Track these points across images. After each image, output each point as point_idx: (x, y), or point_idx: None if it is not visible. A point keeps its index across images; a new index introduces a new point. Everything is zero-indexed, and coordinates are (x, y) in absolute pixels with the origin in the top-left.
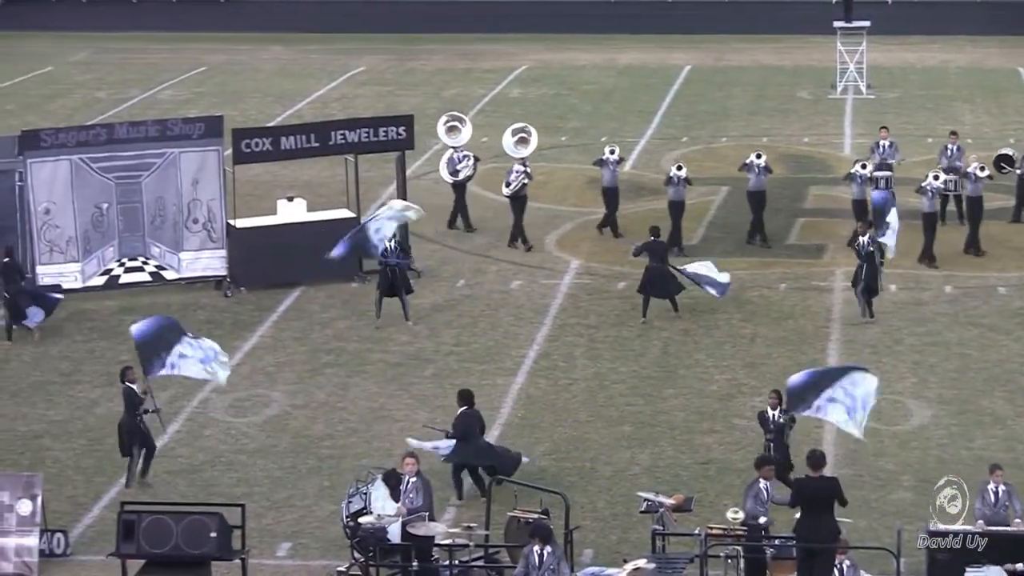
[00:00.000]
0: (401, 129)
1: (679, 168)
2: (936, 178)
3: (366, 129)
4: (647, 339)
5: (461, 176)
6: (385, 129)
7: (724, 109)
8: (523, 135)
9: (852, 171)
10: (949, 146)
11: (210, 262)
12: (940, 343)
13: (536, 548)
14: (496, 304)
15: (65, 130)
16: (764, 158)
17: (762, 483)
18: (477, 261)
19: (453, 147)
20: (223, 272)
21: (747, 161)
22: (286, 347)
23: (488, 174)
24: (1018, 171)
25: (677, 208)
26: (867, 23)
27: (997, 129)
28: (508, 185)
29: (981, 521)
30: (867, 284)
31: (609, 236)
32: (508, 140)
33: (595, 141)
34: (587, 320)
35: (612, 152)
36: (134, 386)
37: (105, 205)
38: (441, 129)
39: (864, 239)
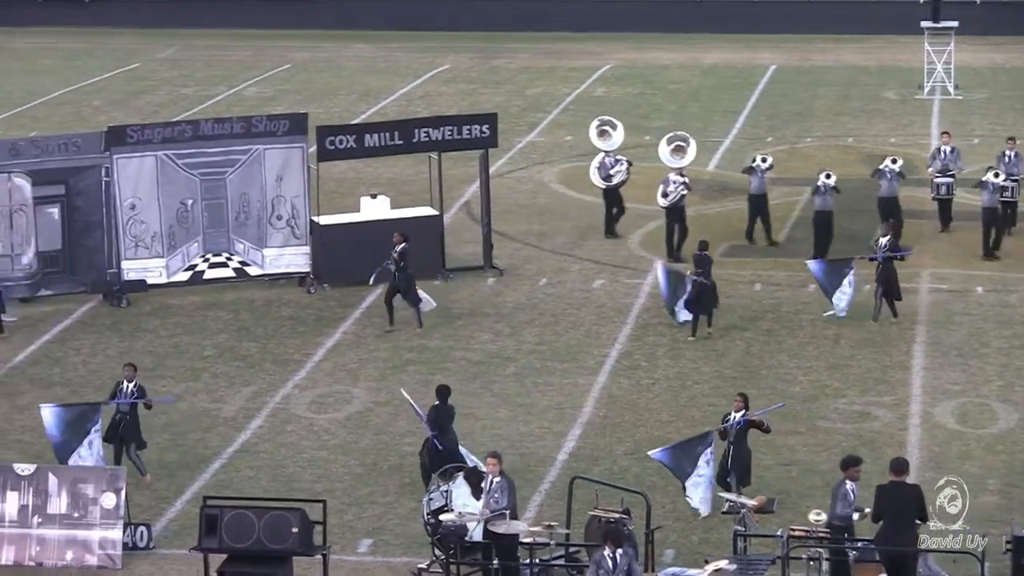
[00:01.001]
0: (485, 127)
1: (827, 176)
2: None
3: (450, 127)
4: (729, 339)
5: (615, 181)
6: (469, 127)
7: (809, 109)
8: (680, 143)
9: (983, 179)
10: (1007, 152)
11: (294, 258)
12: None
13: (608, 552)
14: (578, 303)
15: (151, 126)
16: (900, 163)
17: (848, 484)
18: (559, 260)
19: (605, 151)
20: (306, 269)
21: (880, 167)
22: (368, 344)
23: (571, 172)
24: None
25: (823, 218)
26: (955, 23)
27: None
28: (665, 196)
29: None
30: (887, 286)
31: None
32: (664, 149)
33: None
34: (670, 319)
35: (764, 160)
36: (127, 384)
37: (190, 201)
38: (593, 133)
39: (884, 240)
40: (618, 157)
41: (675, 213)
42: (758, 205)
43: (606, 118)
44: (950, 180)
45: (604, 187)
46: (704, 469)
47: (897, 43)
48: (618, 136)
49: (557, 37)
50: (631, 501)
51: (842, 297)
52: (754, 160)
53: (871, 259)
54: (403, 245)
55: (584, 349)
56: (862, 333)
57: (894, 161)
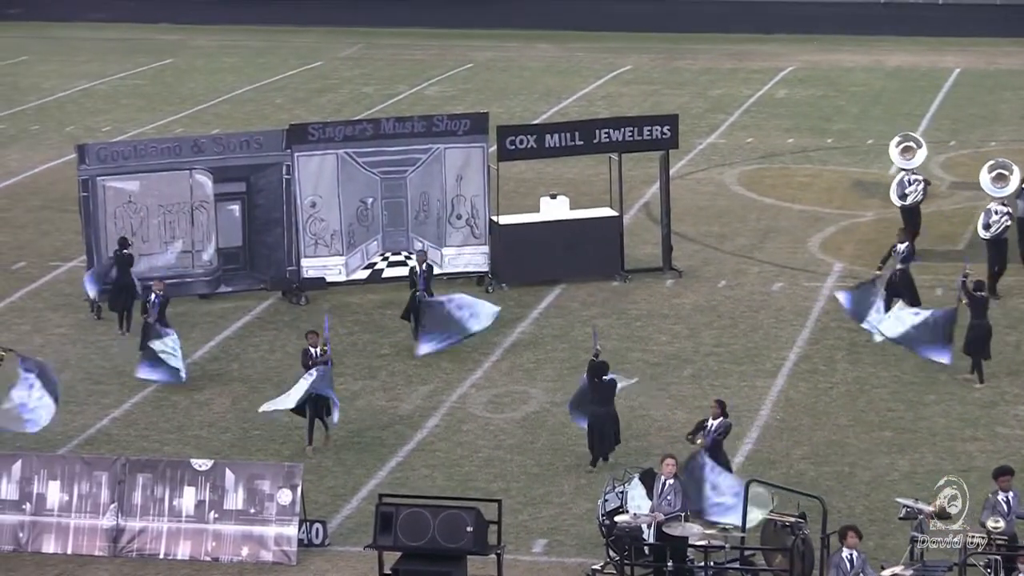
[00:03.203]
0: (666, 128)
1: None
2: None
3: (631, 128)
4: None
5: (909, 201)
6: (650, 128)
7: (994, 113)
8: (1001, 171)
9: (1021, 186)
10: None
11: (472, 258)
12: None
13: (846, 553)
14: (757, 305)
15: (332, 124)
16: None
17: (1000, 495)
18: (738, 262)
19: (905, 169)
20: (485, 268)
21: (1022, 185)
22: (546, 344)
23: (752, 174)
24: None
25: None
26: None
27: None
28: (988, 228)
29: None
30: (907, 293)
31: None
32: (985, 177)
33: (861, 143)
34: (849, 323)
35: None
36: (314, 349)
37: (370, 199)
38: (894, 151)
39: (901, 247)
40: (916, 177)
41: (997, 245)
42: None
43: (910, 134)
44: None
45: (899, 206)
46: None
47: None
48: (922, 154)
49: (740, 39)
50: (807, 505)
51: (878, 319)
52: (1022, 181)
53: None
54: (423, 266)
55: (762, 352)
56: None
57: None
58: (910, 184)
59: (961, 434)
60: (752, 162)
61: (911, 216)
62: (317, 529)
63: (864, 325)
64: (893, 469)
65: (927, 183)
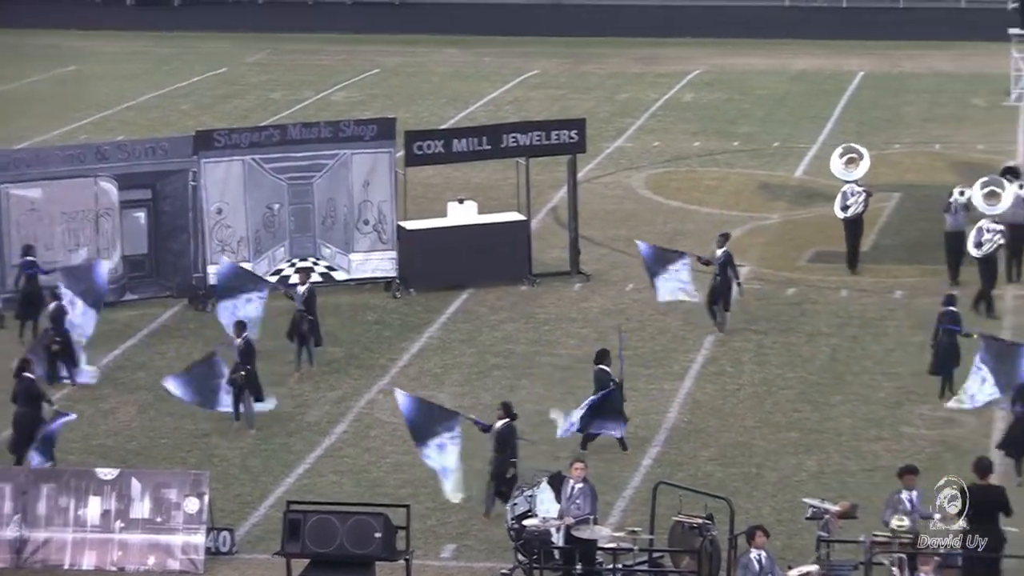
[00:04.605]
0: (573, 132)
1: (961, 193)
2: None
3: (538, 132)
4: (815, 345)
5: (850, 212)
6: (557, 132)
7: (897, 116)
8: (994, 188)
9: (951, 200)
10: None
11: (380, 263)
12: None
13: (754, 554)
14: (664, 308)
15: (239, 131)
16: (967, 195)
17: (904, 493)
18: None
19: (847, 181)
20: (393, 273)
21: (949, 200)
22: (454, 349)
23: (659, 177)
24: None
25: (955, 238)
26: None
27: None
28: (979, 246)
29: None
30: (723, 297)
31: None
32: (977, 195)
33: (767, 146)
34: (756, 326)
35: (961, 193)
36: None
37: (277, 206)
38: (838, 162)
39: (720, 252)
40: (857, 188)
41: (988, 264)
42: (952, 244)
43: (853, 145)
44: None
45: (842, 217)
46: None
47: (985, 50)
48: (865, 164)
49: (647, 43)
50: (714, 507)
51: (666, 282)
52: (951, 195)
53: (704, 262)
54: (306, 286)
55: (670, 355)
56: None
57: (961, 193)
58: (852, 195)
59: (866, 434)
60: (659, 165)
61: (853, 227)
62: (224, 537)
63: (655, 282)
64: (800, 469)
65: (869, 194)
